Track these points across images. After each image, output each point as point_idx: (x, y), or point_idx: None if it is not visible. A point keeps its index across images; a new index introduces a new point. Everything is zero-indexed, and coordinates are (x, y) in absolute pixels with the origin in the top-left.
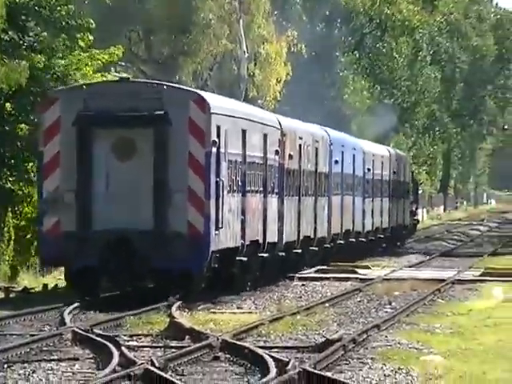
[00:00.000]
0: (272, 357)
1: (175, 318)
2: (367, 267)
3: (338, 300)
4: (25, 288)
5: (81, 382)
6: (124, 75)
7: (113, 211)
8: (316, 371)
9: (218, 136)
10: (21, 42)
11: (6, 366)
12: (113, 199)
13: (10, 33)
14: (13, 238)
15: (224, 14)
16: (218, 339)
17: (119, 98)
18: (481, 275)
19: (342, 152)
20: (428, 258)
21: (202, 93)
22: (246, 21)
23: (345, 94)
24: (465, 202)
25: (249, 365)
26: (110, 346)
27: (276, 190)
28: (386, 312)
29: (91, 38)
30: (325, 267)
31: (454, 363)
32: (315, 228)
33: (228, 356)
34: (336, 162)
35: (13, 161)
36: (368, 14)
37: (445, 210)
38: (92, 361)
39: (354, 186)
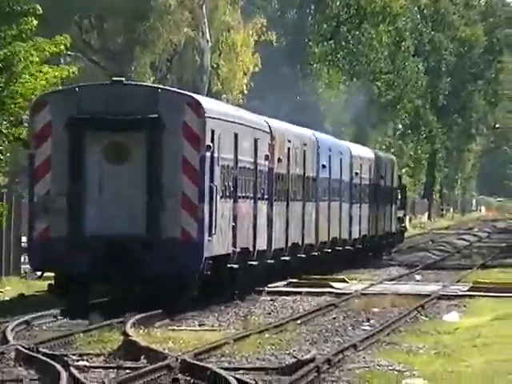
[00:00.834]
0: (237, 379)
1: (130, 335)
2: (343, 280)
3: (310, 317)
4: None
5: None
6: (74, 68)
7: (105, 216)
8: None
9: (212, 140)
10: None
11: None
12: (105, 204)
13: None
14: None
15: None
16: (177, 359)
17: (112, 101)
18: (469, 290)
19: (330, 156)
20: (410, 270)
21: (197, 96)
22: (210, 7)
23: (319, 88)
24: (451, 209)
25: None
26: (58, 366)
27: (266, 196)
28: (364, 330)
29: (35, 22)
30: (296, 280)
31: None
32: (303, 235)
33: (188, 378)
34: (323, 166)
35: None
36: None
37: (429, 217)
38: (37, 383)
39: (341, 192)
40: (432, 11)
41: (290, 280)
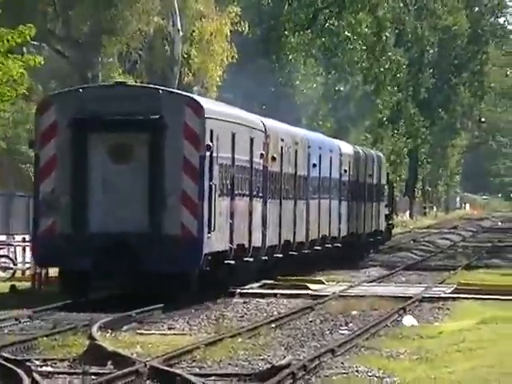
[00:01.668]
0: None
1: (96, 339)
2: (320, 282)
3: (286, 320)
4: None
5: None
6: (40, 58)
7: (108, 214)
8: None
9: (211, 140)
10: None
11: None
12: (108, 202)
13: None
14: None
15: None
16: (145, 365)
17: (115, 102)
18: (453, 292)
19: (320, 155)
20: (391, 271)
21: (198, 98)
22: None
23: (295, 80)
24: (434, 207)
25: None
26: (20, 371)
27: (260, 194)
28: (342, 334)
29: None
30: (271, 282)
31: None
32: (294, 232)
33: None
34: (314, 165)
35: None
36: None
37: (411, 216)
38: None
39: (331, 190)
40: None
41: (265, 281)
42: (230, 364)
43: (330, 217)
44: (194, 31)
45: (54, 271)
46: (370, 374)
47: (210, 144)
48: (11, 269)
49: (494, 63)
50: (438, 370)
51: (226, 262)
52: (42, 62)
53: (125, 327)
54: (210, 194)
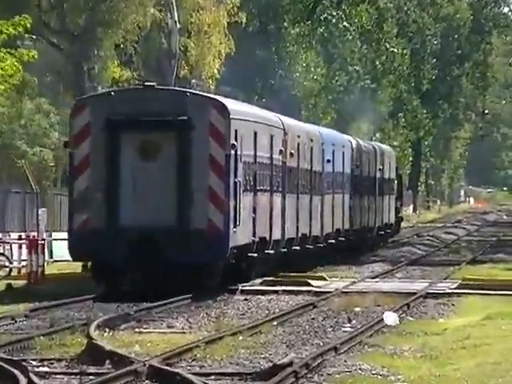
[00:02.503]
0: None
1: (93, 339)
2: (322, 278)
3: (287, 317)
4: None
5: None
6: (34, 52)
7: (139, 209)
8: None
9: (236, 139)
10: None
11: None
12: (139, 198)
13: None
14: None
15: None
16: (144, 364)
17: (145, 104)
18: (458, 287)
19: (333, 151)
20: (395, 266)
21: (223, 99)
22: None
23: (295, 72)
24: (438, 201)
25: None
26: (16, 372)
27: (280, 189)
28: (345, 332)
29: None
30: (272, 278)
31: None
32: (310, 226)
33: None
34: (328, 161)
35: None
36: None
37: (414, 210)
38: None
39: (344, 184)
40: None
41: (265, 278)
42: (230, 363)
43: (343, 211)
44: (191, 23)
45: (49, 269)
46: (373, 372)
47: (235, 143)
48: (7, 267)
49: (497, 53)
50: (443, 368)
51: (249, 254)
52: (36, 56)
53: (123, 326)
54: (235, 191)
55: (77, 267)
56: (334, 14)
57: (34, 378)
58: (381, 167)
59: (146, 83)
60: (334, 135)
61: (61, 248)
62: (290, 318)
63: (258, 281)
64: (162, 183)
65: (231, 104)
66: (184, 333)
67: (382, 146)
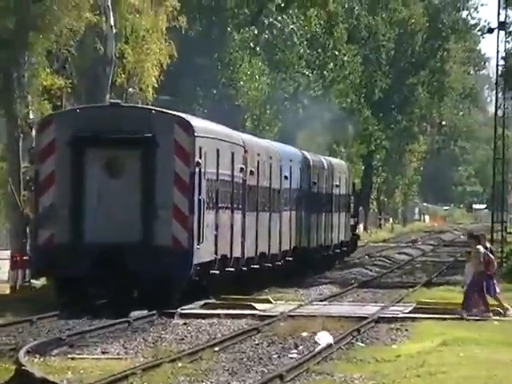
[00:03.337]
0: None
1: (23, 365)
2: (267, 301)
3: (230, 343)
4: None
5: None
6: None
7: (103, 225)
8: None
9: (200, 157)
10: None
11: None
12: (103, 214)
13: None
14: None
15: None
16: None
17: (110, 121)
18: (412, 311)
19: (291, 167)
20: (344, 289)
21: (187, 116)
22: None
23: (239, 81)
24: (391, 219)
25: None
26: None
27: (240, 206)
28: (292, 358)
29: None
30: (213, 301)
31: None
32: (269, 244)
33: None
34: (286, 177)
35: None
36: None
37: (365, 228)
38: None
39: (301, 201)
40: None
41: (206, 300)
42: None
43: (301, 228)
44: (128, 28)
45: None
46: None
47: (200, 161)
48: None
49: (454, 61)
50: None
51: (211, 271)
52: None
53: (55, 351)
54: (199, 208)
55: (5, 288)
56: (280, 18)
57: None
58: (337, 183)
59: (111, 100)
60: (291, 151)
61: None
62: (233, 344)
63: (199, 303)
64: (127, 200)
65: (195, 121)
66: (119, 359)
67: (337, 161)
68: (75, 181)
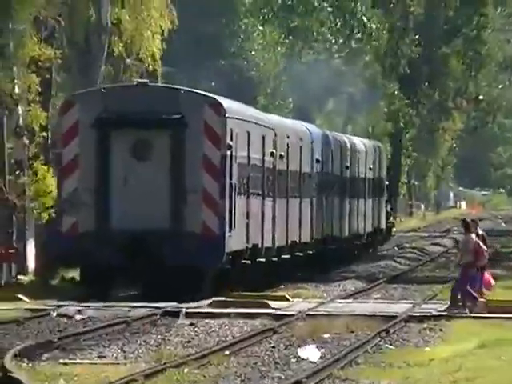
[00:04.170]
0: None
1: (10, 371)
2: (284, 298)
3: (242, 345)
4: None
5: None
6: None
7: (130, 211)
8: None
9: (231, 139)
10: None
11: None
12: (130, 199)
13: None
14: None
15: None
16: None
17: (137, 102)
18: (446, 309)
19: (322, 149)
20: (371, 284)
21: (218, 97)
22: None
23: (250, 50)
24: (422, 206)
25: None
26: None
27: (271, 193)
28: (312, 362)
29: None
30: (223, 299)
31: None
32: (299, 233)
33: None
34: (317, 161)
35: None
36: None
37: (394, 216)
38: None
39: (334, 187)
40: None
41: (215, 298)
42: None
43: (332, 216)
44: None
45: None
46: None
47: (231, 143)
48: None
49: (493, 28)
50: None
51: (242, 261)
52: None
53: (45, 356)
54: (230, 193)
55: None
56: None
57: None
58: (371, 166)
59: (138, 80)
60: (323, 133)
61: None
62: (246, 347)
63: (206, 302)
64: (155, 184)
65: (225, 102)
66: (118, 364)
67: (371, 141)
68: (100, 165)
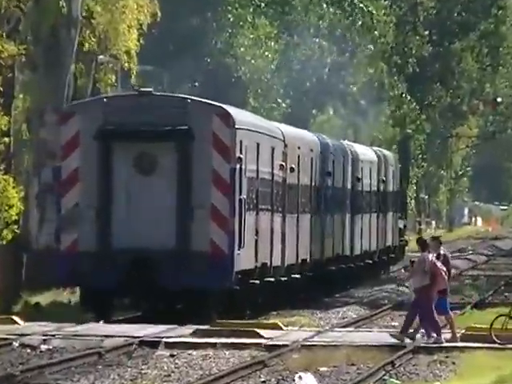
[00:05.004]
0: None
1: None
2: (276, 326)
3: (228, 380)
4: None
5: None
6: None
7: (134, 228)
8: None
9: (241, 151)
10: None
11: None
12: (134, 216)
13: None
14: None
15: None
16: None
17: (141, 112)
18: (460, 339)
19: (333, 161)
20: (374, 311)
21: (227, 107)
22: None
23: (239, 46)
24: (433, 223)
25: None
26: None
27: (280, 209)
28: None
29: None
30: (207, 327)
31: None
32: (311, 250)
33: None
34: (328, 173)
35: None
36: None
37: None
38: None
39: (345, 201)
40: None
41: (198, 327)
42: None
43: (343, 233)
44: None
45: None
46: None
47: (241, 156)
48: None
49: None
50: None
51: (250, 281)
52: None
53: None
54: (240, 209)
55: None
56: None
57: None
58: (384, 178)
59: (141, 89)
60: (332, 142)
61: None
62: (233, 381)
63: (188, 331)
64: (160, 200)
65: (234, 111)
66: None
67: (385, 152)
68: (102, 178)
